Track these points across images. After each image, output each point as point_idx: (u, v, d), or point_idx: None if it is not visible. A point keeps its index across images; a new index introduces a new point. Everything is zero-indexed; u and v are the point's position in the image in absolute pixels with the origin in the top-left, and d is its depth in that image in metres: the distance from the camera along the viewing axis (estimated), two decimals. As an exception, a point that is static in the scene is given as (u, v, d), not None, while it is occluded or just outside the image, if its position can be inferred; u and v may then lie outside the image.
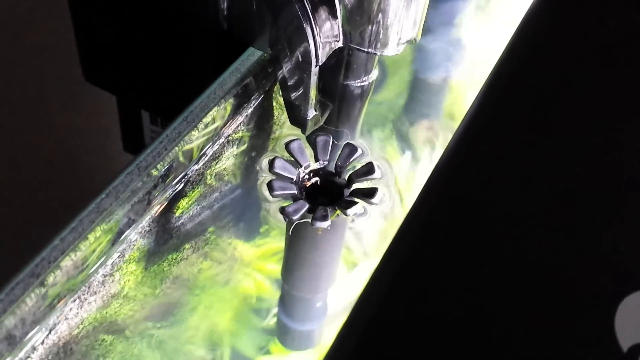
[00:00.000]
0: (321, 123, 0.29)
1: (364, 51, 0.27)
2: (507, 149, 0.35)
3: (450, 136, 0.37)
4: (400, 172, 0.36)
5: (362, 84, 0.29)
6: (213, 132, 0.27)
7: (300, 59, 0.26)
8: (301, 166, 0.26)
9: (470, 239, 0.31)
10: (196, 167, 0.26)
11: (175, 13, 0.28)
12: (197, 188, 0.27)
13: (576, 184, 0.33)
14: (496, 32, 0.39)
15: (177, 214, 0.27)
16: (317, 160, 0.27)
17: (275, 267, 0.32)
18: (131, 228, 0.23)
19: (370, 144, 0.36)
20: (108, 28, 0.30)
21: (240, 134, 0.28)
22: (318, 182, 0.27)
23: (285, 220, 0.25)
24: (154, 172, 0.24)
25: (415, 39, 0.27)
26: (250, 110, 0.28)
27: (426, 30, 0.37)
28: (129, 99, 0.33)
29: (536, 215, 0.32)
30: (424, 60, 0.38)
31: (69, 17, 0.32)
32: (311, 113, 0.28)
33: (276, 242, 0.33)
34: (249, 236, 0.33)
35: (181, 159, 0.25)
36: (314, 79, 0.27)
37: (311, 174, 0.27)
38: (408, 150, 0.37)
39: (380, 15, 0.26)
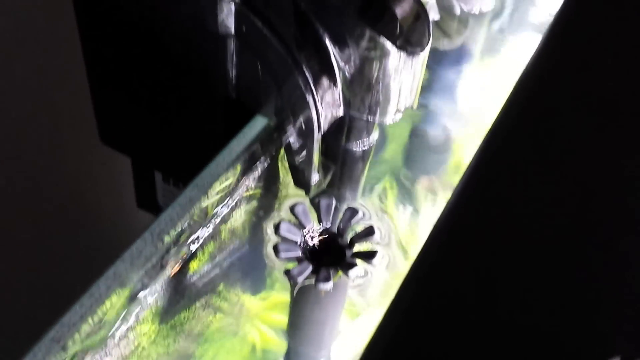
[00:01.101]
0: (324, 186, 0.30)
1: (364, 119, 0.29)
2: (508, 202, 0.37)
3: (451, 191, 0.39)
4: (403, 225, 0.37)
5: (363, 147, 0.31)
6: (223, 196, 0.28)
7: (304, 127, 0.28)
8: (305, 228, 0.28)
9: (474, 292, 0.32)
10: (207, 229, 0.28)
11: (188, 82, 0.29)
12: (208, 249, 0.29)
13: (577, 234, 0.34)
14: (494, 89, 0.40)
15: (188, 274, 0.28)
16: (320, 222, 0.28)
17: (281, 318, 0.33)
18: (144, 291, 0.25)
19: (372, 199, 0.38)
20: (124, 95, 0.32)
21: (248, 195, 0.30)
22: (321, 244, 0.28)
23: (289, 282, 0.26)
24: (167, 239, 0.25)
25: (412, 106, 0.29)
26: (257, 174, 0.29)
27: (426, 88, 0.39)
28: (142, 160, 0.35)
29: (539, 266, 0.33)
30: (424, 117, 0.40)
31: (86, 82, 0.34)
32: (314, 177, 0.29)
33: (281, 294, 0.34)
34: (255, 289, 0.34)
35: (192, 224, 0.27)
36: (316, 145, 0.28)
37: (315, 236, 0.28)
38: (410, 204, 0.38)
39: (378, 85, 0.27)
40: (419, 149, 0.41)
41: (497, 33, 0.40)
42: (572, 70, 0.41)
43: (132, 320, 0.25)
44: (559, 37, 0.40)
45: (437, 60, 0.38)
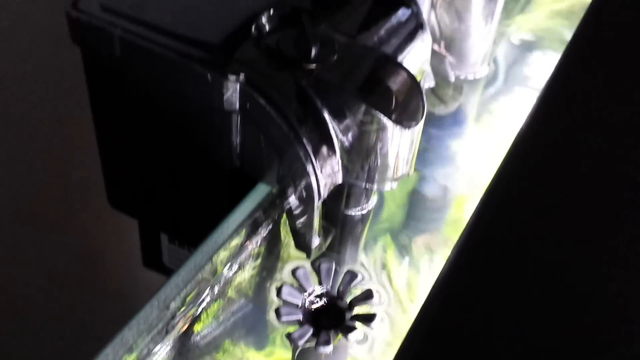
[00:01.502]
0: (324, 249, 0.31)
1: (362, 187, 0.30)
2: (506, 260, 0.37)
3: (449, 247, 0.40)
4: (402, 283, 0.38)
5: (362, 211, 0.32)
6: (228, 260, 0.29)
7: (304, 194, 0.29)
8: (306, 291, 0.29)
9: (475, 348, 0.33)
10: (212, 292, 0.29)
11: (194, 152, 0.31)
12: (213, 309, 0.30)
13: (580, 289, 0.35)
14: (490, 149, 0.42)
15: (193, 334, 0.29)
16: (320, 285, 0.29)
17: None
18: (151, 355, 0.26)
19: (372, 257, 0.39)
20: (132, 162, 0.33)
21: (252, 257, 0.31)
22: (322, 306, 0.29)
23: (291, 345, 0.27)
24: (173, 305, 0.26)
25: (408, 174, 0.30)
26: (260, 237, 0.31)
27: (423, 150, 0.41)
28: (149, 223, 0.36)
29: (542, 321, 0.34)
30: (422, 177, 0.41)
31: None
32: (315, 241, 0.31)
33: (285, 350, 0.35)
34: (260, 346, 0.35)
35: (198, 288, 0.28)
36: (316, 211, 0.30)
37: (315, 298, 0.29)
38: (409, 262, 0.39)
39: (375, 156, 0.29)
40: (417, 208, 0.42)
41: (491, 97, 0.41)
42: (566, 130, 0.43)
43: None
44: (554, 97, 0.42)
45: (433, 125, 0.40)
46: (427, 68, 0.38)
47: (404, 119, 0.28)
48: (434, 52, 0.39)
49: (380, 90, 0.28)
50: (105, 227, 0.50)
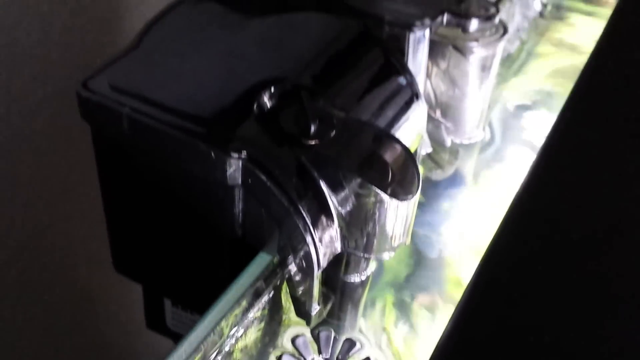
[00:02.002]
0: (324, 316, 0.32)
1: (361, 256, 0.31)
2: (507, 320, 0.38)
3: (450, 306, 0.40)
4: (402, 344, 0.39)
5: (361, 278, 0.33)
6: (229, 329, 0.30)
7: (304, 264, 0.30)
8: (306, 360, 0.30)
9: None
10: (214, 361, 0.30)
11: (197, 222, 0.32)
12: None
13: (582, 347, 0.35)
14: (488, 210, 0.43)
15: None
16: (320, 353, 0.30)
17: None
18: None
19: (371, 319, 0.39)
20: (137, 231, 0.34)
21: (254, 323, 0.32)
22: (321, 375, 0.30)
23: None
24: (176, 377, 0.27)
25: (405, 243, 0.31)
26: (261, 305, 0.31)
27: (422, 212, 0.42)
28: (153, 287, 0.37)
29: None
30: (422, 238, 0.42)
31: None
32: (315, 308, 0.31)
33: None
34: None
35: (202, 357, 0.28)
36: (316, 280, 0.30)
37: (315, 367, 0.30)
38: (409, 322, 0.40)
39: (373, 227, 0.30)
40: (417, 267, 0.43)
41: (487, 160, 0.42)
42: (565, 189, 0.43)
43: None
44: (551, 158, 0.43)
45: (431, 189, 0.41)
46: (424, 135, 0.39)
47: (400, 192, 0.29)
48: (430, 118, 0.40)
49: (377, 165, 0.29)
50: (110, 289, 0.51)
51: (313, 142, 0.29)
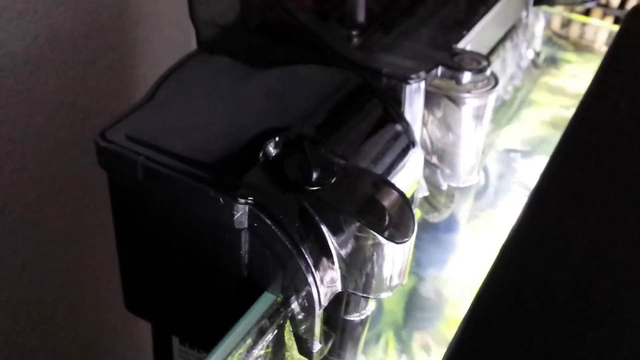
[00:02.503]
0: (325, 353, 0.34)
1: (360, 295, 0.33)
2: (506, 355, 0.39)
3: (445, 345, 0.42)
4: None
5: (360, 317, 0.35)
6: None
7: (306, 303, 0.32)
8: (308, 396, 0.31)
9: None
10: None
11: (205, 264, 0.34)
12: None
13: None
14: (482, 251, 0.44)
15: None
16: (321, 389, 0.31)
17: None
18: None
19: (373, 355, 0.41)
20: (148, 272, 0.36)
21: (257, 360, 0.33)
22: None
23: None
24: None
25: (402, 283, 0.33)
26: (265, 343, 0.33)
27: (418, 254, 0.43)
28: (162, 326, 0.39)
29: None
30: (418, 279, 0.43)
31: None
32: (316, 346, 0.33)
33: None
34: None
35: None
36: (317, 319, 0.32)
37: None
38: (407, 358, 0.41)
39: (371, 268, 0.32)
40: (414, 307, 0.44)
41: (482, 203, 0.44)
42: (556, 232, 0.45)
43: None
44: (544, 200, 0.44)
45: (428, 230, 0.43)
46: (421, 179, 0.41)
47: (396, 236, 0.31)
48: (427, 163, 0.42)
49: (375, 210, 0.31)
50: (120, 328, 0.52)
51: (315, 189, 0.31)
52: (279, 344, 0.34)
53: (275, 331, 0.34)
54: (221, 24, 0.42)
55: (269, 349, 0.34)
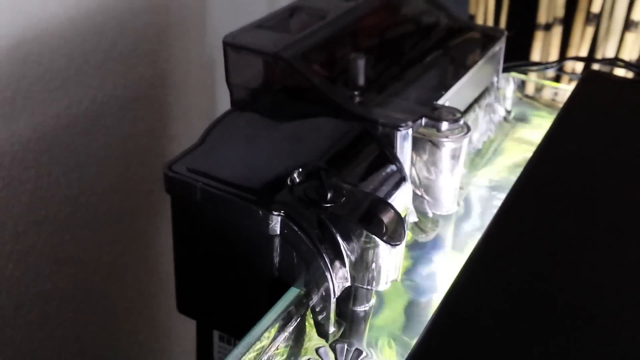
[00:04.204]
0: (338, 336, 0.43)
1: (364, 288, 0.42)
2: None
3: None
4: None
5: (365, 308, 0.45)
6: (265, 347, 0.41)
7: (324, 294, 0.42)
8: (326, 364, 0.41)
9: None
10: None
11: (245, 265, 0.44)
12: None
13: None
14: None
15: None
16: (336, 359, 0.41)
17: None
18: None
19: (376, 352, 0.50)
20: (199, 276, 0.46)
21: (284, 342, 0.43)
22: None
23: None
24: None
25: (397, 279, 0.43)
26: (291, 328, 0.43)
27: (412, 269, 0.53)
28: (206, 323, 0.49)
29: None
30: (413, 290, 0.53)
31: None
32: (331, 329, 0.43)
33: None
34: None
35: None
36: (332, 307, 0.42)
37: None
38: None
39: (372, 266, 0.42)
40: (412, 313, 0.54)
41: (463, 226, 0.54)
42: (517, 241, 0.52)
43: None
44: (506, 217, 0.52)
45: (418, 250, 0.53)
46: (411, 207, 0.51)
47: (392, 240, 0.41)
48: (415, 195, 0.53)
49: (375, 221, 0.42)
50: (167, 331, 0.61)
51: (329, 205, 0.41)
52: (300, 331, 0.44)
53: (299, 319, 0.43)
54: (250, 87, 0.54)
55: (292, 336, 0.43)
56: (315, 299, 0.42)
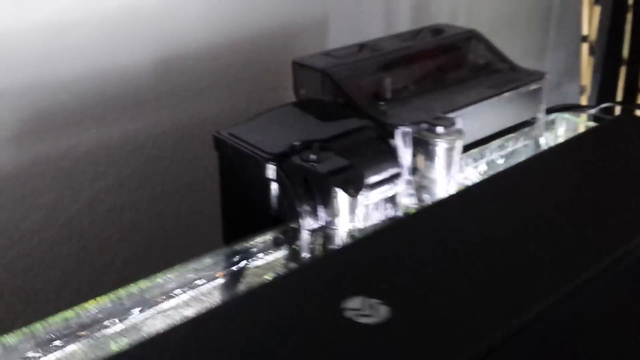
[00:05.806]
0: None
1: (331, 228, 0.58)
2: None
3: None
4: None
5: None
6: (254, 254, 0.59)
7: (303, 227, 0.58)
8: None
9: None
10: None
11: (256, 206, 0.62)
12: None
13: None
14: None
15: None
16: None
17: None
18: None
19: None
20: (234, 211, 0.65)
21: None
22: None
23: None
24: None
25: (355, 225, 0.58)
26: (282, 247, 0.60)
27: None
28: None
29: None
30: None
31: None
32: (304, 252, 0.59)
33: None
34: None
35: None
36: (304, 234, 0.58)
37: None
38: None
39: (337, 210, 0.57)
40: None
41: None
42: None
43: None
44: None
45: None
46: (409, 191, 0.66)
47: (350, 192, 0.57)
48: (415, 184, 0.67)
49: (342, 177, 0.58)
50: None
51: (312, 164, 0.58)
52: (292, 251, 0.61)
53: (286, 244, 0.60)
54: (309, 97, 0.73)
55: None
56: (296, 227, 0.59)
